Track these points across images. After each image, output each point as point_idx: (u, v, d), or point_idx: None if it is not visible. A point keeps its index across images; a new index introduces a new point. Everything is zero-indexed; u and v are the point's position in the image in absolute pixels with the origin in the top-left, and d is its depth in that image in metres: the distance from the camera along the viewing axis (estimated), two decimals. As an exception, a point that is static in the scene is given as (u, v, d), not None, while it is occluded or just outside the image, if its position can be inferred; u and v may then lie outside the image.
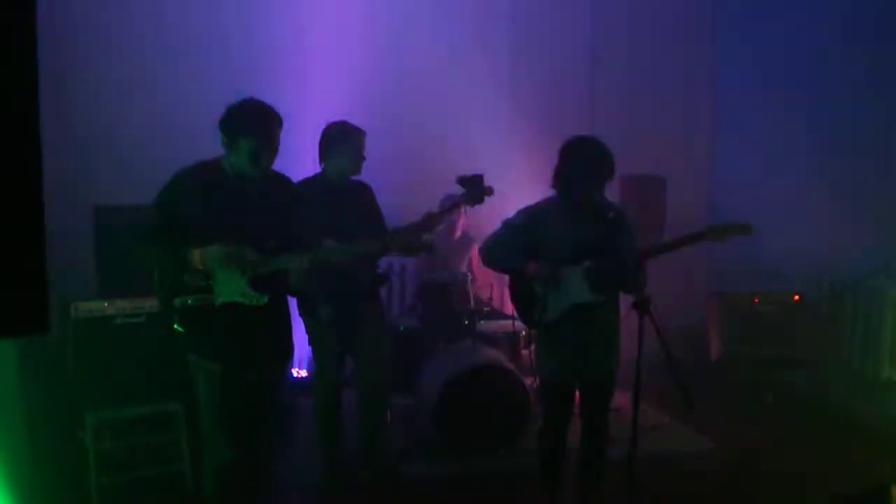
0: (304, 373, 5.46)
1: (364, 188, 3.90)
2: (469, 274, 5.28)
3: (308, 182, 3.75)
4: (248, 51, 5.30)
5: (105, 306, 3.81)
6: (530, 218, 3.31)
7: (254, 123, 2.67)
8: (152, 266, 2.81)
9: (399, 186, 5.19)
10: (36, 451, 3.62)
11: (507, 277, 3.52)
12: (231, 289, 2.71)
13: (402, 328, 5.00)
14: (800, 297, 5.34)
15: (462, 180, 3.87)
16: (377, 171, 4.49)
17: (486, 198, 3.85)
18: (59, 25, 4.69)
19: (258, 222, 2.73)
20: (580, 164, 3.16)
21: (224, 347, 2.77)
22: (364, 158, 3.78)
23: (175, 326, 2.78)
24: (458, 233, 5.46)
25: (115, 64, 4.97)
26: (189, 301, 2.72)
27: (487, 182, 3.84)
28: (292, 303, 3.12)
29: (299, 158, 3.87)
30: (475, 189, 3.83)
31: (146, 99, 4.95)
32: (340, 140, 3.72)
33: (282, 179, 2.96)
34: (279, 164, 3.66)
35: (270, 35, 5.44)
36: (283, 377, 3.04)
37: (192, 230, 2.68)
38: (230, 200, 2.72)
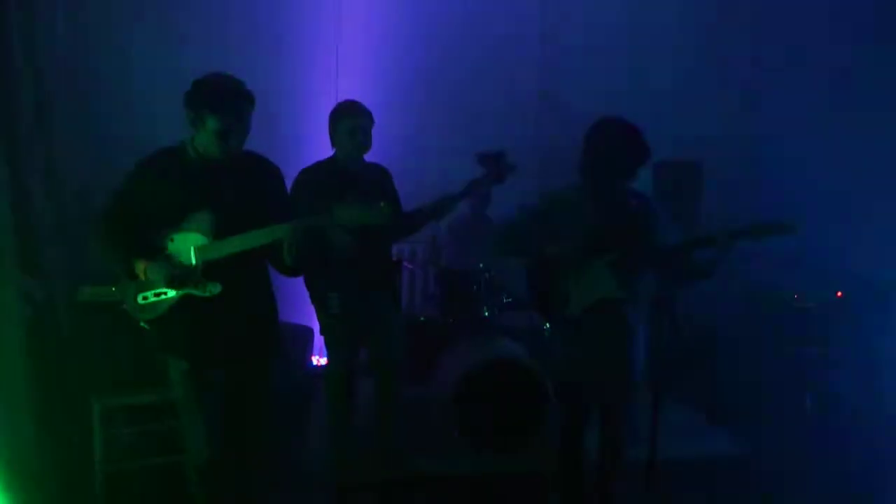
0: (324, 360, 5.35)
1: (377, 171, 3.72)
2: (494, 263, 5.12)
3: (317, 166, 3.61)
4: (272, 29, 5.21)
5: (112, 291, 3.70)
6: (550, 203, 3.07)
7: (222, 101, 2.45)
8: (110, 265, 2.65)
9: (428, 169, 5.07)
10: (41, 437, 3.57)
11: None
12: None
13: (422, 318, 4.85)
14: (843, 294, 5.03)
15: (482, 158, 3.66)
16: (406, 155, 4.37)
17: (509, 176, 3.67)
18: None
19: (220, 208, 2.53)
20: (610, 148, 2.93)
21: (189, 344, 2.62)
22: (369, 139, 3.58)
23: (141, 324, 2.65)
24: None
25: (139, 38, 4.91)
26: (150, 296, 2.57)
27: (517, 164, 3.66)
28: (293, 289, 2.94)
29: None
30: (497, 167, 3.62)
31: (164, 72, 4.84)
32: (341, 120, 3.54)
33: (259, 163, 2.72)
34: (306, 149, 3.56)
35: (300, 10, 5.35)
36: (268, 375, 2.84)
37: (154, 222, 2.53)
38: (194, 187, 2.53)
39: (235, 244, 2.50)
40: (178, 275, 2.47)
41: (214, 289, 2.53)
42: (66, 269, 4.05)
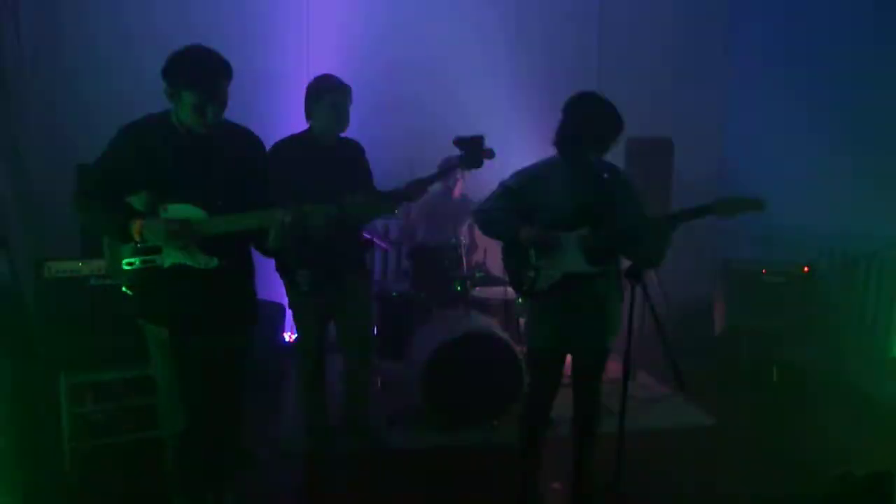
0: (294, 337, 5.33)
1: (351, 146, 3.67)
2: (464, 238, 5.12)
3: (291, 139, 3.56)
4: (242, 9, 5.12)
5: (79, 266, 3.66)
6: (526, 180, 3.08)
7: (197, 75, 2.44)
8: (96, 229, 2.62)
9: (400, 149, 5.03)
10: (8, 415, 3.52)
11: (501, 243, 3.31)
12: (180, 250, 2.54)
13: (394, 294, 4.85)
14: (810, 268, 5.11)
15: (460, 142, 3.62)
16: (377, 133, 4.33)
17: (486, 161, 3.65)
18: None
19: (210, 180, 2.53)
20: (583, 122, 2.93)
21: (170, 312, 2.61)
22: (348, 115, 3.53)
23: (123, 289, 2.62)
24: (457, 195, 5.28)
25: (100, 20, 4.85)
26: (137, 263, 2.55)
27: (489, 144, 3.63)
28: (265, 266, 2.92)
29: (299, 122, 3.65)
30: (474, 151, 3.59)
31: (134, 55, 4.75)
32: (321, 95, 3.48)
33: (243, 134, 2.71)
34: (277, 126, 3.51)
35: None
36: (246, 343, 2.84)
37: (137, 187, 2.50)
38: (179, 157, 2.51)
39: (230, 223, 2.50)
40: (176, 231, 2.43)
41: (210, 262, 2.53)
42: (31, 246, 3.99)
